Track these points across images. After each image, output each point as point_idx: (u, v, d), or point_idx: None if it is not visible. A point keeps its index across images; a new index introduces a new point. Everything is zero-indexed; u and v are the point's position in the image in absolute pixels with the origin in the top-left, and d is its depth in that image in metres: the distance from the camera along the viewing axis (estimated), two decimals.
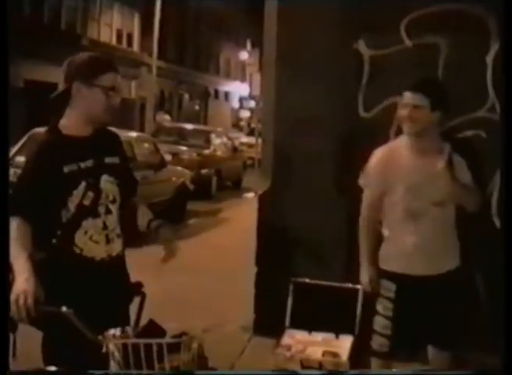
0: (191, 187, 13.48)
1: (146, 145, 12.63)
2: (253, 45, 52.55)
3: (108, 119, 3.36)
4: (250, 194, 17.64)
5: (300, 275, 5.61)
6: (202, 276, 7.92)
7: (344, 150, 5.57)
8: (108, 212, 3.32)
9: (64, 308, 2.86)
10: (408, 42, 5.42)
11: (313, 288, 5.58)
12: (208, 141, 18.45)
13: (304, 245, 5.69)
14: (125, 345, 2.58)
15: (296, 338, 5.29)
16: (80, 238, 3.25)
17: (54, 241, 3.24)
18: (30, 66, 26.82)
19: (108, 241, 3.32)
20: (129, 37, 37.05)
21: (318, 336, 5.38)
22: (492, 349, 4.71)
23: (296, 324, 5.47)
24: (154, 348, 2.55)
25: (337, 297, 5.53)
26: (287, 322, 5.48)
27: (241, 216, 13.29)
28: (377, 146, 5.47)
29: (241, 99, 56.35)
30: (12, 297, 2.92)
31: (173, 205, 12.54)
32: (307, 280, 5.58)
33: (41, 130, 12.22)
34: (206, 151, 17.52)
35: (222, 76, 54.25)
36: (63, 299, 3.03)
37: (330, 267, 5.60)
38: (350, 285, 5.51)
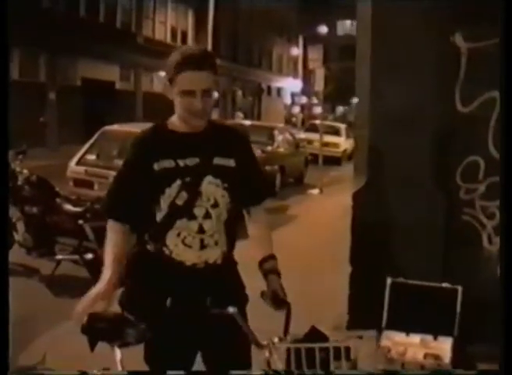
0: None
1: None
2: (305, 41, 52.56)
3: (201, 122, 3.13)
4: (315, 191, 17.55)
5: (396, 275, 5.50)
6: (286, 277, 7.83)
7: (442, 145, 5.42)
8: (207, 216, 3.09)
9: (231, 309, 2.82)
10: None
11: (410, 288, 5.46)
12: (272, 138, 18.36)
13: (400, 244, 5.56)
14: (288, 350, 2.56)
15: (394, 340, 5.19)
16: (171, 239, 3.09)
17: (146, 239, 3.12)
18: (87, 64, 27.08)
19: (202, 246, 3.10)
20: (184, 34, 37.21)
21: (416, 337, 5.28)
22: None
23: (393, 325, 5.37)
24: (317, 353, 2.52)
25: (435, 297, 5.42)
26: (384, 323, 5.38)
27: (310, 213, 13.21)
28: (476, 141, 5.36)
29: (293, 95, 56.33)
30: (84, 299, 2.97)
31: None
32: (404, 280, 5.47)
33: (118, 127, 12.34)
34: (269, 148, 17.42)
35: (274, 73, 54.20)
36: (140, 302, 3.08)
37: (428, 266, 5.46)
38: (449, 285, 5.39)
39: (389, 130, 5.50)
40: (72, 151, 12.15)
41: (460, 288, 5.37)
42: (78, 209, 8.11)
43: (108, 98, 27.35)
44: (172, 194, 3.05)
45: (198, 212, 3.07)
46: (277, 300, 2.98)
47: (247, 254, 3.17)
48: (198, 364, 3.21)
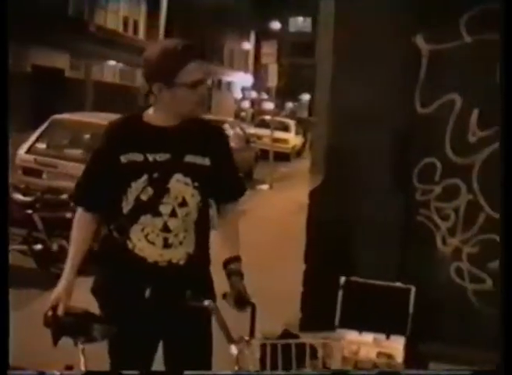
0: None
1: None
2: (257, 36, 52.59)
3: (199, 113, 3.09)
4: (265, 186, 17.56)
5: (350, 273, 5.53)
6: None
7: (400, 145, 5.45)
8: (174, 214, 3.01)
9: (206, 302, 2.83)
10: (467, 38, 5.30)
11: (364, 287, 5.49)
12: None
13: (355, 243, 5.58)
14: (264, 347, 2.55)
15: (347, 339, 5.21)
16: (135, 233, 3.03)
17: (111, 229, 3.07)
18: (37, 51, 26.71)
19: (166, 244, 3.03)
20: (136, 24, 36.93)
21: (369, 336, 5.31)
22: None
23: (346, 324, 5.39)
24: (293, 350, 2.52)
25: (388, 296, 5.45)
26: (337, 321, 5.40)
27: (259, 209, 13.19)
28: (433, 142, 5.41)
29: (243, 90, 56.33)
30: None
31: None
32: (358, 279, 5.49)
33: (68, 115, 12.15)
34: None
35: (225, 67, 54.11)
36: (107, 293, 3.09)
37: (383, 266, 5.49)
38: (402, 285, 5.44)
39: (348, 129, 5.52)
40: (21, 139, 11.95)
41: (413, 288, 5.41)
42: (27, 199, 7.98)
43: (58, 86, 27.02)
44: (138, 188, 2.99)
45: (164, 209, 3.00)
46: (241, 301, 2.96)
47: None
48: (157, 364, 3.17)
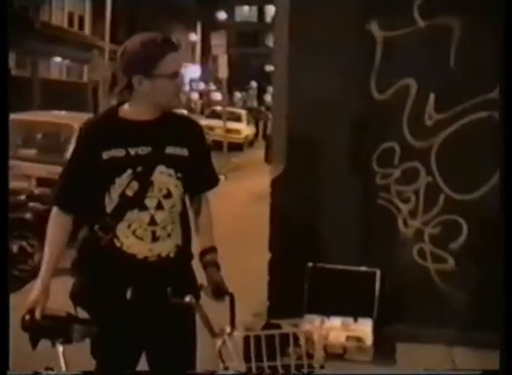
0: None
1: None
2: (203, 27, 52.43)
3: (178, 104, 3.11)
4: (220, 177, 17.54)
5: (315, 260, 5.60)
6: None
7: (358, 132, 5.52)
8: (160, 207, 2.99)
9: (188, 298, 2.83)
10: (421, 23, 5.39)
11: (329, 273, 5.57)
12: None
13: (317, 229, 5.66)
14: (247, 338, 2.57)
15: (315, 324, 5.26)
16: (122, 231, 2.98)
17: (96, 229, 3.01)
18: None
19: (154, 238, 3.00)
20: (81, 20, 36.55)
21: (337, 320, 5.39)
22: None
23: (313, 309, 5.46)
24: (277, 340, 2.55)
25: (354, 280, 5.54)
26: (304, 307, 5.47)
27: (216, 200, 13.19)
28: (391, 127, 5.50)
29: (191, 81, 56.11)
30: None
31: None
32: (323, 265, 5.57)
33: (22, 115, 12.00)
34: None
35: None
36: (91, 296, 3.03)
37: (346, 251, 5.57)
38: (367, 268, 5.53)
39: (306, 117, 5.57)
40: None
41: (378, 271, 5.51)
42: None
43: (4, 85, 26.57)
44: (123, 183, 2.96)
45: (150, 203, 2.99)
46: (219, 292, 2.97)
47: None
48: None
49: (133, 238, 2.99)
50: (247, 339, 2.64)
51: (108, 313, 2.96)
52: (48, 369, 2.84)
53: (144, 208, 2.98)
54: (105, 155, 2.96)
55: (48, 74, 33.20)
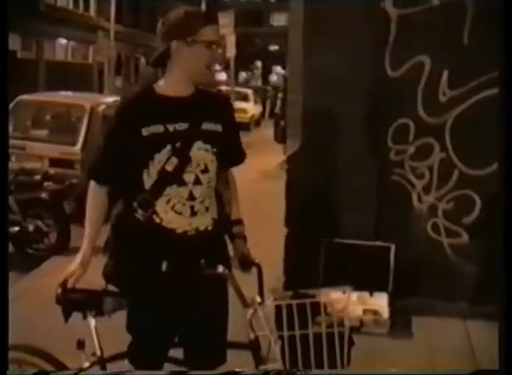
0: None
1: None
2: (207, 6, 52.17)
3: (210, 78, 3.14)
4: None
5: (330, 235, 5.69)
6: None
7: (373, 108, 5.59)
8: (198, 182, 3.05)
9: (220, 269, 2.89)
10: (435, 1, 5.44)
11: (345, 248, 5.66)
12: None
13: (333, 205, 5.74)
14: (278, 307, 2.64)
15: (331, 297, 5.35)
16: (161, 207, 3.02)
17: (135, 206, 3.04)
18: None
19: (193, 213, 3.05)
20: (86, 1, 36.46)
21: (353, 295, 5.47)
22: None
23: (329, 284, 5.53)
24: (309, 309, 2.62)
25: (369, 255, 5.63)
26: (320, 282, 5.55)
27: None
28: (405, 103, 5.56)
29: None
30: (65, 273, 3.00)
31: None
32: (338, 240, 5.66)
33: (32, 96, 12.03)
34: None
35: None
36: (126, 273, 3.09)
37: (361, 226, 5.66)
38: (382, 243, 5.62)
39: (322, 94, 5.63)
40: None
41: (392, 246, 5.60)
42: None
43: (11, 68, 26.58)
44: (162, 159, 3.01)
45: (188, 178, 3.05)
46: (246, 262, 3.06)
47: None
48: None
49: (173, 213, 3.03)
50: (278, 308, 2.72)
51: (143, 289, 3.02)
52: (79, 342, 2.93)
53: (182, 183, 3.03)
54: (145, 132, 3.00)
55: (54, 56, 33.19)
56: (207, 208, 3.10)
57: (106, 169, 3.12)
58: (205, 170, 3.08)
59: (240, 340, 3.00)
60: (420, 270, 5.69)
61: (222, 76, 55.88)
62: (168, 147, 3.01)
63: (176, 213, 3.04)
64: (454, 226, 5.66)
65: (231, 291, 3.03)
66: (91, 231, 3.13)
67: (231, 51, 17.57)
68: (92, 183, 3.16)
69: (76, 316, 2.98)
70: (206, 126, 3.10)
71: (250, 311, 2.81)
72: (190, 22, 3.02)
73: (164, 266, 2.97)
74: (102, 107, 10.72)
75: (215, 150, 3.10)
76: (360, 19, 5.53)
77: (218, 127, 3.14)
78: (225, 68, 49.83)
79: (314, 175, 5.72)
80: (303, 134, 5.69)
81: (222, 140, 3.14)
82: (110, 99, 12.00)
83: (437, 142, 5.60)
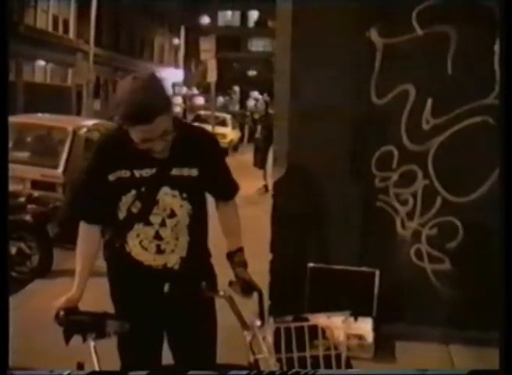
0: None
1: None
2: (186, 31, 52.52)
3: (162, 153, 3.08)
4: None
5: (315, 260, 5.74)
6: None
7: (358, 136, 5.68)
8: (164, 224, 3.13)
9: (222, 293, 2.96)
10: (419, 31, 5.55)
11: (329, 273, 5.71)
12: None
13: (318, 230, 5.80)
14: (277, 330, 2.68)
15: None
16: (131, 239, 3.16)
17: (111, 235, 3.21)
18: None
19: (159, 250, 3.15)
20: (66, 23, 36.49)
21: (338, 319, 5.52)
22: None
23: (314, 309, 5.58)
24: (307, 332, 2.66)
25: (354, 280, 5.68)
26: (305, 307, 5.60)
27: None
28: (390, 131, 5.65)
29: (174, 86, 56.10)
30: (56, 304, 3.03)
31: None
32: (323, 265, 5.71)
33: (34, 118, 11.95)
34: None
35: (155, 63, 53.85)
36: (117, 294, 3.28)
37: (346, 251, 5.72)
38: (367, 268, 5.68)
39: (308, 121, 5.71)
40: None
41: (377, 271, 5.66)
42: None
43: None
44: (128, 201, 3.10)
45: (154, 219, 3.12)
46: (248, 288, 3.11)
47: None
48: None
49: (140, 248, 3.16)
50: (277, 331, 2.76)
51: (134, 309, 3.16)
52: (79, 364, 2.95)
53: (149, 223, 3.13)
54: (112, 177, 3.10)
55: (32, 77, 33.14)
56: (173, 250, 3.17)
57: (91, 209, 3.20)
58: (172, 215, 3.13)
59: (240, 363, 3.03)
60: (404, 296, 5.75)
61: (200, 100, 56.12)
62: (133, 191, 3.09)
63: (142, 248, 3.16)
64: (437, 253, 5.74)
65: (231, 315, 3.07)
66: (83, 270, 3.20)
67: (212, 76, 17.66)
68: (82, 224, 3.23)
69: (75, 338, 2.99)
70: (176, 171, 3.13)
71: (250, 334, 2.85)
72: (120, 119, 2.99)
73: (166, 288, 3.10)
74: (84, 130, 10.75)
75: (184, 195, 3.13)
76: (347, 47, 5.63)
77: (193, 171, 3.15)
78: (204, 92, 50.10)
79: (299, 201, 5.78)
80: (288, 160, 5.75)
81: (197, 184, 3.16)
82: (91, 122, 12.03)
83: (420, 169, 5.68)
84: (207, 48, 16.66)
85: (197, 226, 3.23)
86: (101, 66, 38.17)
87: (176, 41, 56.28)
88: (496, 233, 5.58)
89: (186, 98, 57.30)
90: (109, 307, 3.23)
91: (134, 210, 3.10)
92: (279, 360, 2.77)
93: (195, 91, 60.15)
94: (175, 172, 3.11)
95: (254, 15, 70.64)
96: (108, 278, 3.32)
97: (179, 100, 57.18)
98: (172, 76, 55.66)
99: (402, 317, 5.70)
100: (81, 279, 3.17)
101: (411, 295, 5.75)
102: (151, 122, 2.89)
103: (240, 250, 3.32)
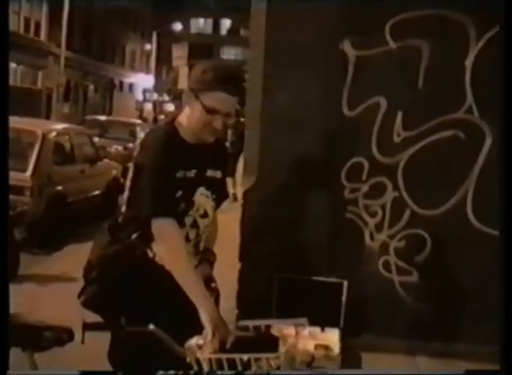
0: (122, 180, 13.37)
1: (82, 138, 12.41)
2: (158, 37, 52.40)
3: (208, 139, 3.12)
4: None
5: (284, 270, 5.74)
6: None
7: (328, 146, 5.69)
8: (195, 225, 3.14)
9: (151, 326, 2.81)
10: (392, 44, 5.58)
11: (297, 283, 5.71)
12: (133, 134, 18.31)
13: (287, 240, 5.79)
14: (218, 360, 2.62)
15: (283, 332, 5.38)
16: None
17: (133, 239, 3.06)
18: None
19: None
20: (37, 26, 36.27)
21: (305, 330, 5.52)
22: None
23: (282, 318, 5.58)
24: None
25: (322, 291, 5.69)
26: (273, 316, 5.59)
27: None
28: (361, 143, 5.68)
29: (145, 91, 55.99)
30: None
31: (106, 200, 12.39)
32: (291, 275, 5.71)
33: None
34: (131, 145, 17.33)
35: (127, 68, 53.71)
36: (126, 300, 3.07)
37: (314, 262, 5.73)
38: (335, 279, 5.69)
39: (279, 131, 5.70)
40: None
41: (345, 282, 5.68)
42: None
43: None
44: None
45: (187, 220, 3.12)
46: (207, 286, 3.07)
47: None
48: None
49: None
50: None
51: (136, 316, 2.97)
52: None
53: (182, 225, 3.07)
54: (177, 174, 3.04)
55: None
56: (197, 252, 3.20)
57: (170, 203, 3.05)
58: (204, 215, 3.18)
59: None
60: (371, 307, 5.77)
61: (171, 107, 55.99)
62: (180, 192, 3.05)
63: None
64: (405, 265, 5.77)
65: None
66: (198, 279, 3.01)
67: (183, 83, 17.64)
68: (168, 221, 2.98)
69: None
70: (210, 173, 3.20)
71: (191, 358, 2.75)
72: (204, 82, 2.99)
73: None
74: (53, 134, 10.69)
75: (214, 196, 3.21)
76: (320, 58, 5.64)
77: (218, 174, 3.25)
78: (175, 99, 50.00)
79: (269, 210, 5.78)
80: (259, 170, 5.75)
81: (220, 186, 3.27)
82: (60, 126, 11.96)
83: (390, 181, 5.71)
84: (179, 54, 16.67)
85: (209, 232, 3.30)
86: (71, 70, 38.02)
87: (147, 46, 56.08)
88: (462, 246, 5.66)
89: (157, 104, 57.20)
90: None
91: (178, 211, 3.04)
92: None
93: (166, 97, 60.04)
94: (209, 173, 3.20)
95: (226, 23, 70.76)
96: (106, 284, 3.12)
97: (149, 106, 57.10)
98: (143, 82, 55.59)
99: (369, 328, 5.71)
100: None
101: (379, 307, 5.77)
102: (234, 94, 2.99)
103: (211, 251, 3.34)
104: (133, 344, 3.02)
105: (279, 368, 2.69)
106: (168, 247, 2.95)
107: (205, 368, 2.68)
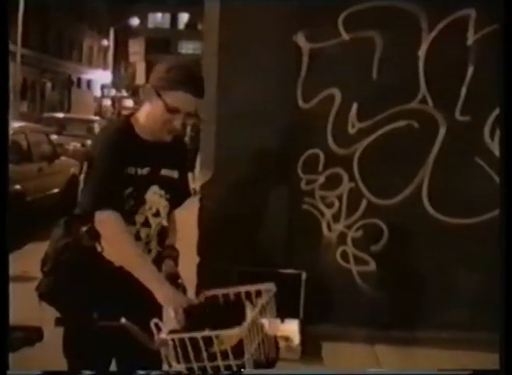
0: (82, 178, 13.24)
1: (39, 136, 12.31)
2: (116, 33, 52.05)
3: (165, 138, 3.08)
4: None
5: (242, 263, 5.75)
6: None
7: (284, 139, 5.71)
8: (146, 224, 3.11)
9: (123, 320, 2.82)
10: (345, 36, 5.62)
11: (256, 275, 5.70)
12: (92, 131, 18.21)
13: (245, 233, 5.81)
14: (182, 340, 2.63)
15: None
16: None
17: (82, 232, 3.00)
18: None
19: None
20: None
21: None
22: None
23: None
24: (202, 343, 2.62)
25: (280, 282, 5.69)
26: None
27: None
28: (316, 134, 5.71)
29: (103, 87, 55.65)
30: None
31: (65, 197, 12.30)
32: (250, 268, 5.71)
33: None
34: (89, 142, 17.20)
35: (84, 64, 53.28)
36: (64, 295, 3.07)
37: (272, 254, 5.75)
38: (293, 270, 5.72)
39: (234, 125, 5.71)
40: None
41: (303, 273, 5.71)
42: None
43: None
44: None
45: (138, 218, 3.09)
46: (173, 282, 3.06)
47: None
48: None
49: None
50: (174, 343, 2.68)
51: (83, 313, 2.98)
52: None
53: (132, 222, 3.06)
54: (127, 171, 3.01)
55: None
56: (149, 250, 3.16)
57: (111, 197, 2.99)
58: (156, 214, 3.13)
59: None
60: (330, 297, 5.81)
61: (129, 102, 55.71)
62: (130, 189, 3.02)
63: None
64: (362, 254, 5.82)
65: None
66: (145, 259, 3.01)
67: (141, 79, 17.57)
68: (112, 214, 2.93)
69: None
70: (164, 172, 3.16)
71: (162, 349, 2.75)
72: (166, 80, 2.98)
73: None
74: (10, 132, 10.57)
75: (168, 196, 3.17)
76: (274, 51, 5.66)
77: (175, 174, 3.21)
78: (133, 94, 49.78)
79: (225, 204, 5.79)
80: (215, 164, 5.75)
81: (176, 185, 3.21)
82: (17, 124, 11.85)
83: (346, 172, 5.76)
84: (136, 50, 16.61)
85: (165, 231, 3.26)
86: (28, 67, 37.63)
87: (105, 42, 55.69)
88: (419, 234, 5.73)
89: (116, 100, 56.87)
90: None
91: (126, 207, 3.00)
92: (189, 369, 2.69)
93: (124, 93, 59.71)
94: (164, 172, 3.15)
95: (184, 17, 70.48)
96: (55, 278, 3.10)
97: (108, 102, 56.76)
98: (100, 78, 55.21)
99: (329, 318, 5.76)
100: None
101: (337, 296, 5.82)
102: (195, 95, 2.95)
103: (172, 247, 3.31)
104: (86, 339, 3.05)
105: (241, 341, 2.68)
106: (110, 238, 2.94)
107: (170, 351, 2.67)
